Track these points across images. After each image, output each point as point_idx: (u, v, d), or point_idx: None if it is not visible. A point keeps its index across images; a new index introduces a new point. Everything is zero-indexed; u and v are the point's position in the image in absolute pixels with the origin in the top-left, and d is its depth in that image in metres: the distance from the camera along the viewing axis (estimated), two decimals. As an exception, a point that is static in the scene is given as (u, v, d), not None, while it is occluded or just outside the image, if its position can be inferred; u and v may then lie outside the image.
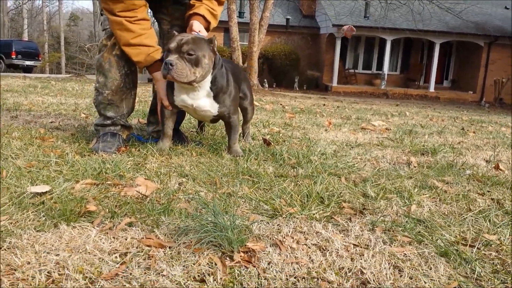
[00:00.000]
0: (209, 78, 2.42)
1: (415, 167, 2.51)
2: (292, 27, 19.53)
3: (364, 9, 17.63)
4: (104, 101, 2.68)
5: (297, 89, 18.20)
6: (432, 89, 18.68)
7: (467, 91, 19.02)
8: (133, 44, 2.47)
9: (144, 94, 7.39)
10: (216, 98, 2.50)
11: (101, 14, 2.65)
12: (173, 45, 2.29)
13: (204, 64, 2.33)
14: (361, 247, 1.31)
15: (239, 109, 2.80)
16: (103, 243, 1.26)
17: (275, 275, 1.13)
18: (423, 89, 18.92)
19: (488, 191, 2.04)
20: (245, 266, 1.16)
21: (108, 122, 2.71)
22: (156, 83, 2.60)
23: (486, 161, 2.89)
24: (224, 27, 16.42)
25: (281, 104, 7.44)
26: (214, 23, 2.66)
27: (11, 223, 1.36)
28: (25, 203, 1.53)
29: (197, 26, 2.51)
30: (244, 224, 1.35)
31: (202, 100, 2.49)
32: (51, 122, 3.42)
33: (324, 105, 8.34)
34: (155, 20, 3.00)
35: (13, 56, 21.19)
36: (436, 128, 4.69)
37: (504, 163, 2.78)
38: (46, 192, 1.65)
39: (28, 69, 21.22)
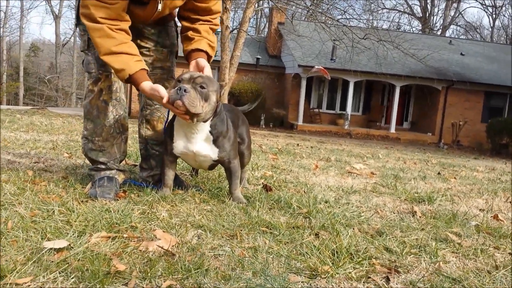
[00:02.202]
0: (209, 122, 2.39)
1: (420, 217, 2.52)
2: (260, 66, 19.88)
3: (331, 52, 18.17)
4: (96, 148, 2.58)
5: (263, 126, 18.36)
6: (393, 130, 19.26)
7: (426, 133, 19.72)
8: (115, 52, 2.22)
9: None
10: (215, 142, 2.47)
11: (85, 53, 2.52)
12: (186, 76, 2.25)
13: (212, 102, 2.30)
14: (416, 312, 1.28)
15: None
16: (149, 311, 1.17)
17: None
18: (384, 130, 19.48)
19: (501, 245, 2.06)
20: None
21: (102, 166, 2.61)
22: (146, 94, 2.33)
23: (480, 209, 2.95)
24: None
25: (256, 144, 7.44)
26: (213, 56, 2.60)
27: (40, 287, 1.24)
28: (45, 262, 1.42)
29: (207, 67, 2.45)
30: (295, 289, 1.29)
31: (202, 145, 2.45)
32: (35, 163, 3.25)
33: (298, 145, 8.41)
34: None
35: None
36: (417, 173, 4.79)
37: (502, 212, 2.84)
38: (63, 248, 1.54)
39: (-16, 99, 20.44)
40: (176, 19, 2.73)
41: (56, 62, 35.55)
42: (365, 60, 17.82)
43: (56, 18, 35.00)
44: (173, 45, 2.73)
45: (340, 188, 3.27)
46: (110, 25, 2.22)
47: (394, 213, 2.57)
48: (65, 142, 4.84)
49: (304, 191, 3.01)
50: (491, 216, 2.68)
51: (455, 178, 4.61)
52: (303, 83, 18.71)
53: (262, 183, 3.05)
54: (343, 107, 19.90)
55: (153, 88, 2.25)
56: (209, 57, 2.54)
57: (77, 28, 2.63)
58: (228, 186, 2.66)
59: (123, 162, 3.58)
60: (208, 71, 2.44)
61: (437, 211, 2.71)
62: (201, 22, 2.55)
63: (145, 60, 2.62)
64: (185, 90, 2.16)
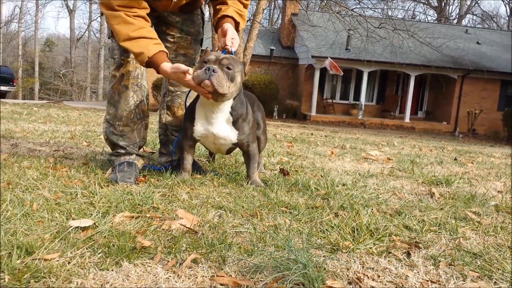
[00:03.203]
0: (230, 102, 2.40)
1: (438, 198, 2.51)
2: (273, 57, 19.82)
3: (346, 42, 18.03)
4: (117, 133, 2.62)
5: (276, 117, 18.34)
6: (407, 119, 19.09)
7: (441, 122, 19.53)
8: (133, 37, 2.24)
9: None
10: (235, 124, 2.48)
11: (112, 40, 2.56)
12: (212, 57, 2.27)
13: (237, 83, 2.32)
14: (439, 283, 1.28)
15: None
16: (176, 282, 1.19)
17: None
18: (398, 120, 19.32)
19: (522, 223, 2.06)
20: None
21: (122, 151, 2.65)
22: (167, 75, 2.31)
23: (498, 191, 2.93)
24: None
25: (270, 133, 7.45)
26: (242, 25, 2.60)
27: (68, 262, 1.27)
28: (72, 239, 1.45)
29: (231, 29, 2.45)
30: (318, 261, 1.30)
31: (222, 126, 2.46)
32: (55, 151, 3.31)
33: (312, 134, 8.40)
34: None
35: (-12, 82, 20.67)
36: (434, 159, 4.76)
37: (520, 194, 2.82)
38: (89, 227, 1.57)
39: (2, 95, 20.70)
40: (203, 7, 2.76)
41: (71, 57, 35.90)
42: (380, 49, 17.66)
43: (71, 12, 35.29)
44: (198, 33, 2.77)
45: (356, 172, 3.27)
46: (127, 11, 2.25)
47: (412, 195, 2.57)
48: (83, 132, 4.91)
49: (321, 175, 3.02)
50: (510, 197, 2.66)
51: (472, 163, 4.58)
52: (317, 74, 18.62)
53: (279, 168, 3.07)
54: (357, 97, 19.76)
55: (174, 67, 2.24)
56: (236, 24, 2.54)
57: (104, 16, 2.68)
58: (245, 170, 2.68)
59: (141, 150, 3.64)
60: (231, 32, 2.44)
61: (455, 192, 2.70)
62: None
63: (169, 47, 2.66)
64: (213, 70, 2.18)
